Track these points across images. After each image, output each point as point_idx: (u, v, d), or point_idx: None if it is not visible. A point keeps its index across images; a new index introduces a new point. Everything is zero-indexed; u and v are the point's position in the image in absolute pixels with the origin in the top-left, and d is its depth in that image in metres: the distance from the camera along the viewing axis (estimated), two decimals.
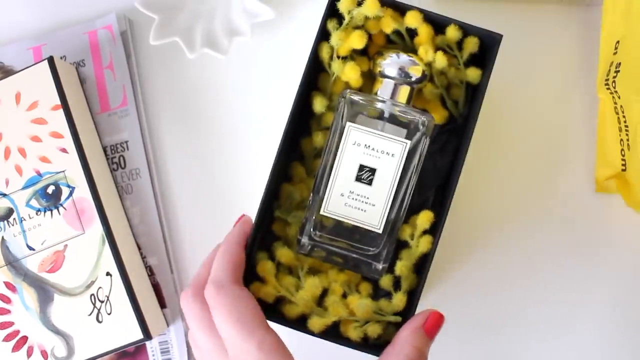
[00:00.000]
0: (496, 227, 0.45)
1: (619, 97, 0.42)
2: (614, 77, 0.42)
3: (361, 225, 0.34)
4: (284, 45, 0.47)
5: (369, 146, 0.33)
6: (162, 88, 0.47)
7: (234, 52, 0.47)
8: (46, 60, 0.43)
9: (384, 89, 0.35)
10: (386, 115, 0.34)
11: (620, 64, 0.42)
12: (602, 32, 0.44)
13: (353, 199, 0.33)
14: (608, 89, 0.43)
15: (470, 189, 0.44)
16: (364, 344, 0.38)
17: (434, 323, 0.33)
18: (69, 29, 0.47)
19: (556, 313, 0.44)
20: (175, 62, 0.47)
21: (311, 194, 0.34)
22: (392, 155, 0.33)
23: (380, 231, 0.34)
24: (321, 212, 0.34)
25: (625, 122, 0.42)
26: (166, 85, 0.47)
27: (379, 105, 0.34)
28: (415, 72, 0.35)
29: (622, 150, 0.42)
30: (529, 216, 0.45)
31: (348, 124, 0.33)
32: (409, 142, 0.33)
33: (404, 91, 0.35)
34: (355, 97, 0.34)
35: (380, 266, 0.35)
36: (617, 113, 0.42)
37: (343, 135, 0.33)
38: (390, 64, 0.35)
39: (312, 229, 0.34)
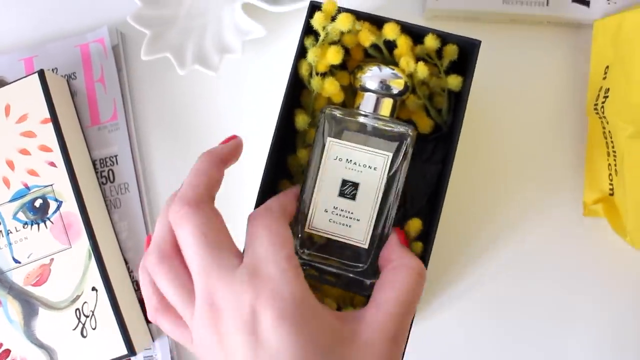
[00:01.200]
0: (487, 236, 0.45)
1: (607, 123, 0.42)
2: (603, 102, 0.42)
3: (346, 241, 0.33)
4: (273, 62, 0.47)
5: (350, 160, 0.33)
6: (153, 103, 0.47)
7: (224, 69, 0.47)
8: (37, 73, 0.43)
9: (365, 102, 0.35)
10: (369, 129, 0.33)
11: (609, 89, 0.42)
12: (592, 57, 0.44)
13: (337, 214, 0.33)
14: (597, 113, 0.43)
15: (460, 198, 0.44)
16: None
17: (404, 237, 0.33)
18: (61, 41, 0.47)
19: (544, 330, 0.44)
20: (165, 77, 0.47)
21: (296, 212, 0.33)
22: (375, 168, 0.33)
23: (366, 246, 0.33)
24: (306, 229, 0.33)
25: (613, 147, 0.42)
26: (156, 100, 0.47)
27: (361, 119, 0.34)
28: (397, 85, 0.35)
29: (610, 174, 0.42)
30: (516, 237, 0.45)
31: (329, 139, 0.33)
32: (390, 154, 0.33)
33: (387, 104, 0.35)
34: (336, 112, 0.33)
35: (369, 282, 0.34)
36: (605, 138, 0.43)
37: (324, 151, 0.33)
38: (371, 77, 0.35)
39: (299, 247, 0.33)
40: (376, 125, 0.33)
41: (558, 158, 0.46)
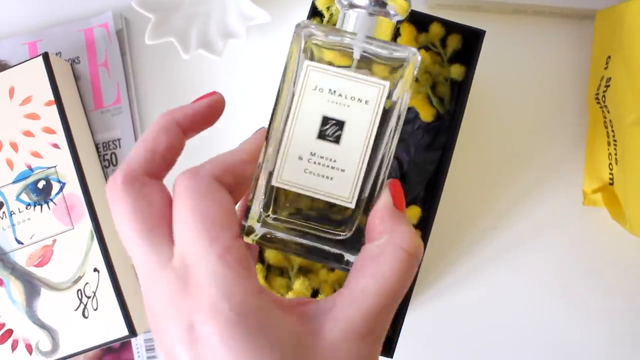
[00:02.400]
0: (485, 224, 0.45)
1: (608, 112, 0.42)
2: (604, 91, 0.43)
3: (326, 198, 0.25)
4: (277, 47, 0.47)
5: (334, 92, 0.25)
6: (156, 87, 0.48)
7: (228, 54, 0.47)
8: (41, 56, 0.43)
9: (353, 22, 0.26)
10: (356, 55, 0.25)
11: (610, 79, 0.42)
12: (593, 47, 0.44)
13: (315, 162, 0.25)
14: (598, 103, 0.43)
15: (459, 187, 0.45)
16: None
17: (399, 195, 0.25)
18: (65, 25, 0.47)
19: (543, 317, 0.45)
20: (169, 61, 0.47)
21: (259, 163, 0.25)
22: (366, 102, 0.25)
23: (352, 205, 0.25)
24: (273, 183, 0.25)
25: (614, 136, 0.42)
26: (160, 85, 0.48)
27: (348, 40, 0.25)
28: (396, 7, 0.26)
29: (610, 164, 0.43)
30: (516, 226, 0.45)
31: (306, 62, 0.25)
32: (387, 83, 0.25)
33: (384, 25, 0.26)
34: (315, 29, 0.25)
35: (353, 258, 0.26)
36: (606, 127, 0.43)
37: (299, 79, 0.25)
38: None
39: (262, 210, 0.25)
40: (369, 48, 0.25)
41: (558, 147, 0.46)
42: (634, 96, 0.39)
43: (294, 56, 0.25)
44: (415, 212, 0.40)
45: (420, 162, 0.43)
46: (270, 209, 0.25)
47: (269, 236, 0.26)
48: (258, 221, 0.25)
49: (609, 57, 0.43)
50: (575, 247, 0.45)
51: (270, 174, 0.25)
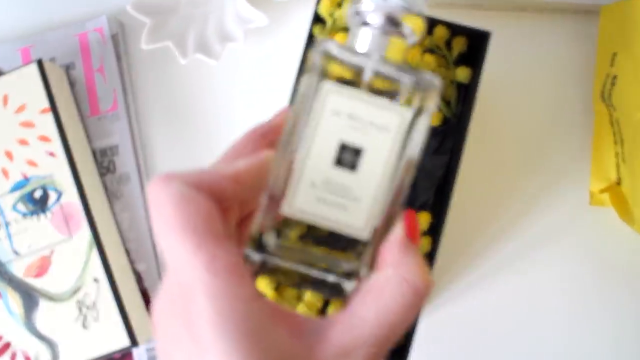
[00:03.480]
0: (495, 227, 0.45)
1: (614, 110, 0.41)
2: (610, 89, 0.42)
3: (339, 229, 0.24)
4: (275, 50, 0.46)
5: (354, 116, 0.23)
6: (153, 92, 0.47)
7: (226, 57, 0.46)
8: (35, 63, 0.43)
9: (367, 42, 0.25)
10: (365, 77, 0.24)
11: (616, 76, 0.41)
12: (599, 45, 0.44)
13: (329, 191, 0.24)
14: (604, 101, 0.43)
15: (467, 191, 0.44)
16: None
17: (414, 227, 0.24)
18: (59, 30, 0.46)
19: (553, 318, 0.44)
20: (166, 66, 0.47)
21: (268, 185, 0.24)
22: (386, 129, 0.23)
23: (366, 236, 0.24)
24: (283, 212, 0.24)
25: (620, 135, 0.41)
26: (157, 90, 0.47)
27: (368, 62, 0.24)
28: (411, 24, 0.25)
29: (618, 163, 0.42)
30: (527, 229, 0.45)
31: (325, 83, 0.23)
32: (410, 110, 0.23)
33: (398, 46, 0.25)
34: (334, 49, 0.24)
35: (350, 286, 0.25)
36: (612, 126, 0.42)
37: (317, 100, 0.23)
38: (375, 9, 0.24)
39: (263, 239, 0.24)
40: (389, 71, 0.24)
41: (565, 147, 0.45)
42: None
43: (311, 75, 0.23)
44: (425, 217, 0.40)
45: (428, 166, 0.42)
46: (274, 238, 0.24)
47: (269, 265, 0.24)
48: (263, 251, 0.24)
49: (615, 54, 0.42)
50: (585, 249, 0.44)
51: (278, 202, 0.24)
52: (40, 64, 0.43)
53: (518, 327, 0.44)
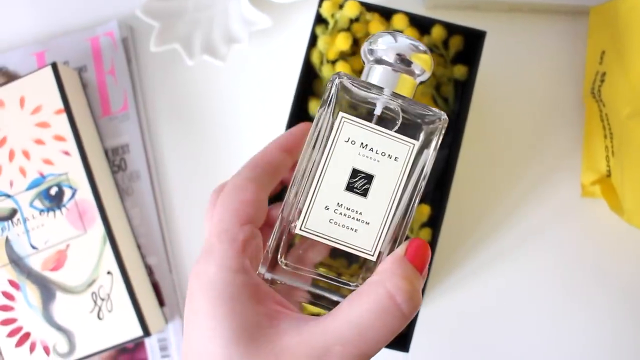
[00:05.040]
0: (490, 219, 0.46)
1: (604, 106, 0.43)
2: (599, 86, 0.44)
3: (349, 249, 0.26)
4: (280, 51, 0.48)
5: (366, 145, 0.26)
6: (162, 93, 0.49)
7: (232, 59, 0.48)
8: (50, 66, 0.44)
9: (380, 79, 0.27)
10: (377, 111, 0.26)
11: (605, 73, 0.43)
12: (588, 43, 0.46)
13: (341, 213, 0.26)
14: (594, 97, 0.44)
15: (465, 184, 0.46)
16: None
17: (418, 251, 0.25)
18: (71, 35, 0.48)
19: (546, 309, 0.46)
20: (174, 68, 0.49)
21: (281, 209, 0.26)
22: (396, 158, 0.26)
23: (374, 258, 0.26)
24: (296, 231, 0.26)
25: (610, 129, 0.43)
26: (166, 91, 0.49)
27: (381, 96, 0.26)
28: (421, 63, 0.27)
29: (607, 156, 0.44)
30: (522, 221, 0.46)
31: (341, 114, 0.25)
32: (417, 142, 0.26)
33: (408, 83, 0.27)
34: (350, 83, 0.26)
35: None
36: (602, 120, 0.44)
37: (333, 129, 0.25)
38: (388, 49, 0.26)
39: (279, 257, 0.26)
40: (401, 106, 0.26)
41: (557, 141, 0.47)
42: (628, 90, 0.40)
43: (326, 105, 0.26)
44: (425, 210, 0.41)
45: None
46: (286, 256, 0.26)
47: (279, 282, 0.27)
48: (272, 266, 0.26)
49: (604, 52, 0.44)
50: (577, 239, 0.46)
51: (291, 222, 0.26)
52: (54, 67, 0.44)
53: (514, 315, 0.46)
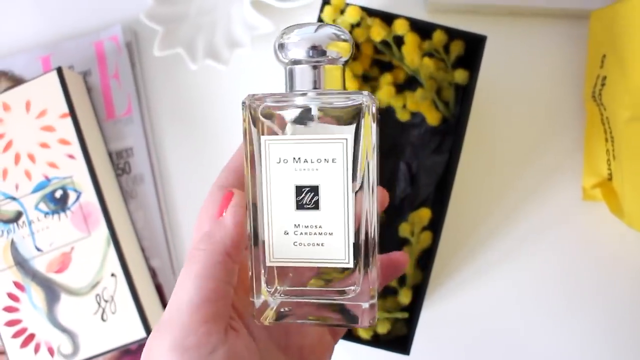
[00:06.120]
0: (491, 222, 0.47)
1: (604, 109, 0.43)
2: (600, 89, 0.44)
3: (323, 265, 0.25)
4: None
5: (299, 159, 0.24)
6: (166, 97, 0.49)
7: (234, 64, 0.48)
8: (55, 71, 0.45)
9: (299, 78, 0.25)
10: (314, 112, 0.25)
11: (605, 77, 0.43)
12: (589, 47, 0.46)
13: (302, 233, 0.25)
14: (595, 101, 0.44)
15: (466, 188, 0.46)
16: (375, 341, 0.40)
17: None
18: (76, 39, 0.49)
19: (548, 311, 0.46)
20: (178, 72, 0.49)
21: (249, 245, 0.26)
22: (333, 160, 0.24)
23: (351, 264, 0.25)
24: (268, 264, 0.25)
25: (610, 132, 0.43)
26: (169, 94, 0.49)
27: (298, 101, 0.25)
28: (339, 49, 0.25)
29: (608, 160, 0.44)
30: (523, 225, 0.46)
31: (263, 138, 0.24)
32: (348, 136, 0.24)
33: (331, 73, 0.25)
34: (258, 102, 0.25)
35: (367, 304, 0.25)
36: (603, 124, 0.44)
37: (262, 155, 0.25)
38: (299, 41, 0.25)
39: (267, 286, 0.25)
40: (320, 103, 0.25)
41: (558, 145, 0.47)
42: (628, 94, 0.40)
43: (248, 133, 0.25)
44: (425, 213, 0.42)
45: (428, 165, 0.44)
46: (274, 285, 0.25)
47: (282, 310, 0.26)
48: (258, 293, 0.25)
49: (604, 56, 0.44)
50: (578, 242, 0.46)
51: (261, 255, 0.25)
52: (59, 71, 0.45)
53: (515, 318, 0.46)
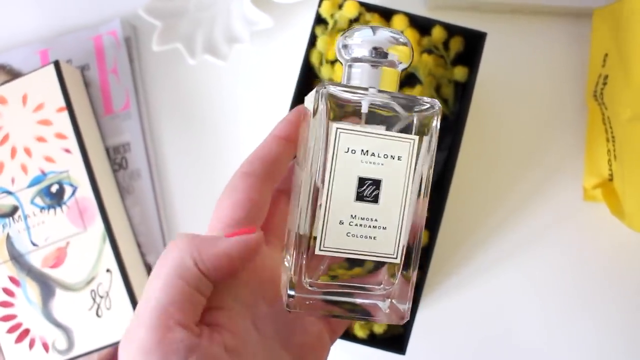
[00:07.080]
0: (491, 221, 0.46)
1: (606, 109, 0.43)
2: (602, 89, 0.43)
3: (372, 258, 0.26)
4: (281, 51, 0.48)
5: (367, 152, 0.25)
6: (164, 92, 0.49)
7: (233, 58, 0.48)
8: (52, 64, 0.45)
9: (363, 77, 0.26)
10: (364, 109, 0.25)
11: (607, 76, 0.43)
12: (591, 45, 0.45)
13: (357, 224, 0.25)
14: (596, 100, 0.44)
15: (465, 186, 0.46)
16: (371, 340, 0.40)
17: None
18: (75, 34, 0.49)
19: (547, 312, 0.45)
20: (176, 67, 0.49)
21: (290, 232, 0.26)
22: (399, 158, 0.25)
23: (398, 260, 0.26)
24: (317, 252, 0.25)
25: (612, 133, 0.43)
26: (168, 90, 0.49)
27: (370, 97, 0.25)
28: (399, 53, 0.26)
29: (609, 160, 0.43)
30: (522, 224, 0.46)
31: (334, 126, 0.25)
32: (416, 137, 0.25)
33: (391, 76, 0.26)
34: (337, 90, 0.25)
35: (405, 306, 0.26)
36: (604, 124, 0.44)
37: (329, 143, 0.25)
38: (362, 43, 0.26)
39: (305, 280, 0.26)
40: (391, 103, 0.25)
41: (559, 144, 0.47)
42: (629, 93, 0.40)
43: (319, 118, 0.25)
44: None
45: None
46: (313, 277, 0.26)
47: (308, 302, 0.26)
48: (298, 287, 0.25)
49: (606, 54, 0.43)
50: (578, 242, 0.46)
51: (310, 244, 0.25)
52: (57, 65, 0.45)
53: (512, 318, 0.46)
